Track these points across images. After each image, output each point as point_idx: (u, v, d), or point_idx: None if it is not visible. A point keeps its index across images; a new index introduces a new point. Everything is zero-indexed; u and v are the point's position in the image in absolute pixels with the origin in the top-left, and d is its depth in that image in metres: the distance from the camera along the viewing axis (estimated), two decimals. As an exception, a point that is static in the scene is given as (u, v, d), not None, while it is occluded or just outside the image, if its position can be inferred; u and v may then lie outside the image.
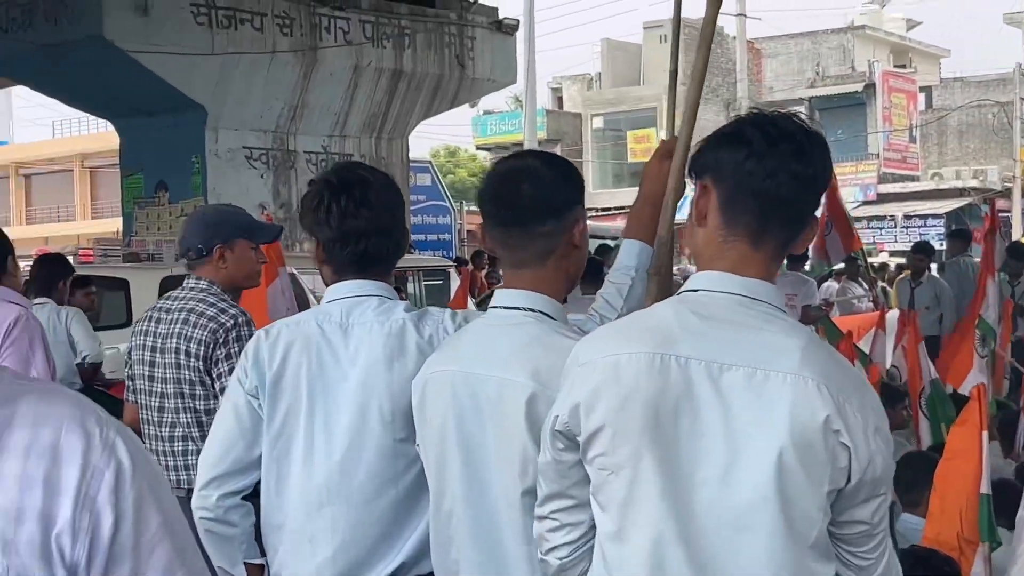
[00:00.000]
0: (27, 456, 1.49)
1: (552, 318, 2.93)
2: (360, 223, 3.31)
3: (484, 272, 18.97)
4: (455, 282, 15.38)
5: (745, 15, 39.96)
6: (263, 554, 3.40)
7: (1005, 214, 21.96)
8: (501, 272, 3.17)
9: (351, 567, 3.21)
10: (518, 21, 21.28)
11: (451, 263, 18.35)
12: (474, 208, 33.48)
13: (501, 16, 20.02)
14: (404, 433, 3.18)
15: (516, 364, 2.82)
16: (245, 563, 3.37)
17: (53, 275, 8.64)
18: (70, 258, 9.93)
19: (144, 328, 4.78)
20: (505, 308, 2.98)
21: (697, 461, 2.28)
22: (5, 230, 5.40)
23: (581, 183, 3.11)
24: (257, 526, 3.41)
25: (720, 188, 2.42)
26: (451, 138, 52.91)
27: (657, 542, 2.30)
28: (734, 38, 42.00)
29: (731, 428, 2.27)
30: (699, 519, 2.28)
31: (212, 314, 4.56)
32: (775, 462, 2.22)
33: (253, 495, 3.42)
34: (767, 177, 2.36)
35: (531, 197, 2.92)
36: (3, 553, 1.45)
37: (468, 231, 29.83)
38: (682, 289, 2.48)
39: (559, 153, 36.95)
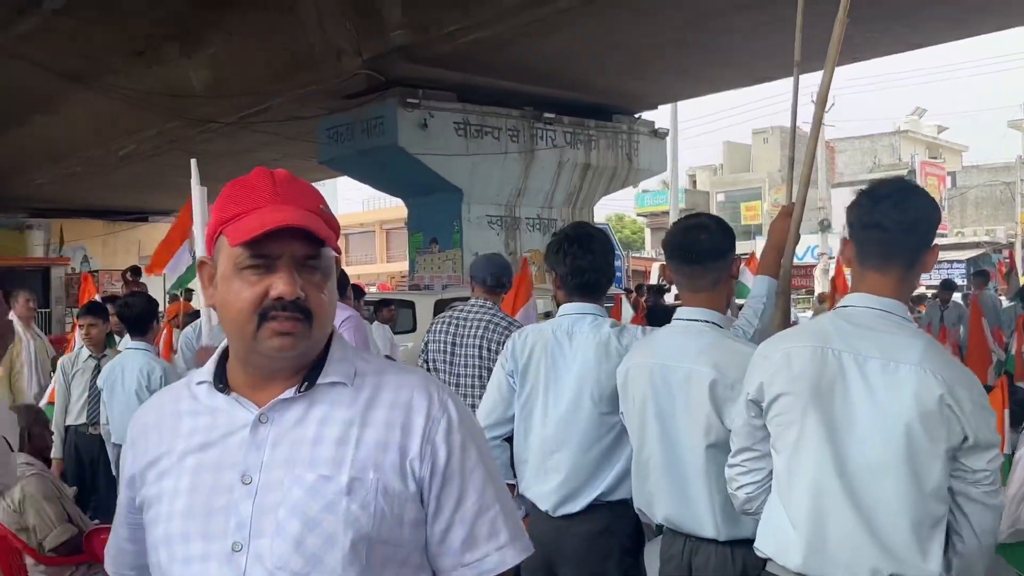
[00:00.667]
0: (391, 408, 1.55)
1: (720, 327, 2.94)
2: (584, 263, 3.31)
3: (644, 298, 18.87)
4: (622, 304, 15.15)
5: (823, 124, 39.19)
6: (515, 477, 3.46)
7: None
8: (676, 296, 3.10)
9: (570, 493, 3.22)
10: (668, 130, 20.95)
11: (622, 291, 18.19)
12: (635, 255, 33.24)
13: (656, 127, 19.79)
14: (607, 408, 3.19)
15: (701, 359, 2.82)
16: None
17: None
18: (373, 288, 10.31)
19: (443, 329, 4.72)
20: (687, 320, 2.96)
21: (848, 423, 2.28)
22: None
23: (734, 235, 3.07)
24: (512, 459, 3.47)
25: (853, 238, 2.43)
26: (619, 208, 52.54)
27: (818, 475, 2.29)
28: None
29: (873, 400, 2.25)
30: (849, 463, 2.27)
31: (505, 324, 4.59)
32: (904, 427, 2.20)
33: (509, 439, 3.49)
34: (875, 226, 2.35)
35: (708, 244, 2.93)
36: (375, 471, 1.50)
37: (633, 271, 29.58)
38: (837, 306, 2.47)
39: (694, 218, 36.78)
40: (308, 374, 1.54)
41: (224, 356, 1.61)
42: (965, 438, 2.20)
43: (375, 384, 1.57)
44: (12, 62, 15.24)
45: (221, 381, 1.58)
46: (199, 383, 1.60)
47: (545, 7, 12.68)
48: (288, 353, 1.50)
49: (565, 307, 3.41)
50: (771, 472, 2.46)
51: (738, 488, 2.54)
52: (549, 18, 12.94)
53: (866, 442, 2.26)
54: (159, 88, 17.66)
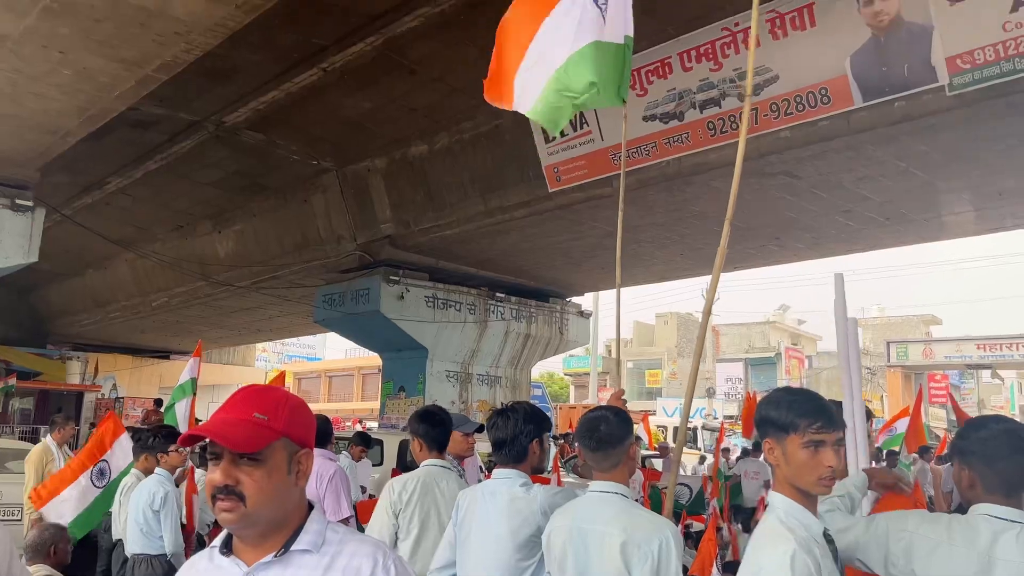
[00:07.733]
0: (344, 571, 1.62)
1: (626, 497, 2.84)
2: (504, 434, 3.21)
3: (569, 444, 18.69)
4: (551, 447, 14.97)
5: (711, 313, 40.18)
6: None
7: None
8: (583, 464, 2.83)
9: None
10: (591, 311, 21.35)
11: (551, 437, 17.89)
12: (562, 404, 32.87)
13: (582, 308, 20.14)
14: (521, 555, 3.07)
15: (613, 523, 2.73)
16: None
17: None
18: (348, 424, 10.01)
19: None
20: (600, 492, 2.85)
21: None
22: (314, 408, 4.91)
23: (631, 422, 2.94)
24: None
25: None
26: (551, 368, 52.52)
27: None
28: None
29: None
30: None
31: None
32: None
33: None
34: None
35: (606, 432, 2.85)
36: None
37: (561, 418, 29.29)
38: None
39: (607, 383, 36.30)
40: (287, 541, 1.62)
41: None
42: None
43: (335, 552, 1.64)
44: (75, 228, 15.24)
45: (227, 546, 1.68)
46: (213, 547, 1.71)
47: (499, 215, 13.15)
48: (230, 526, 1.60)
49: (495, 471, 3.29)
50: None
51: None
52: (502, 224, 13.40)
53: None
54: (191, 255, 17.74)
